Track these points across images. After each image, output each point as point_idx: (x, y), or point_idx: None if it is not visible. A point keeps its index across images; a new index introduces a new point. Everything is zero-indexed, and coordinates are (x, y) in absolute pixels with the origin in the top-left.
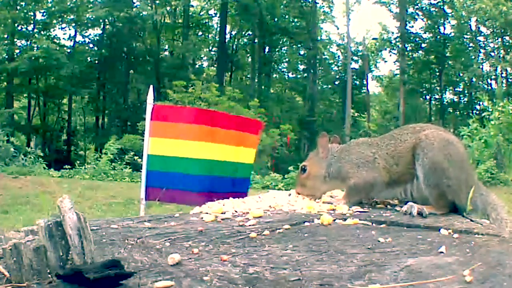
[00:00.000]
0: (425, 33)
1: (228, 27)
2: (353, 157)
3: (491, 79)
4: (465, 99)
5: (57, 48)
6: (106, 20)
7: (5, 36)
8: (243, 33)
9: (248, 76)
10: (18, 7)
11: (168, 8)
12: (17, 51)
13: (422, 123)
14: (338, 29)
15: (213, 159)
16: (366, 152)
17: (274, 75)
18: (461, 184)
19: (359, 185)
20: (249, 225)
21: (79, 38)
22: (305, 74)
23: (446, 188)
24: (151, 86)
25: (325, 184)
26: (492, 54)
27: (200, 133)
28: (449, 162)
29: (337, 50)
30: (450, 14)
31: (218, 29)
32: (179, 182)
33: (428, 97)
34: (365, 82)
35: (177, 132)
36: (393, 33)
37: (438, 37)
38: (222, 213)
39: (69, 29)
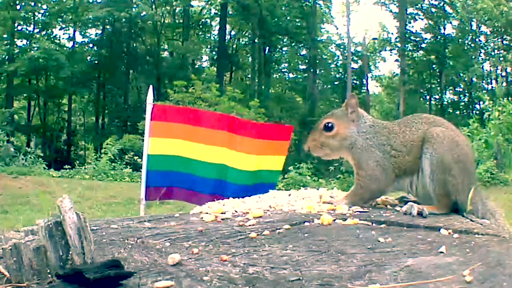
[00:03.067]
0: (425, 33)
1: (228, 27)
2: (379, 143)
3: (491, 79)
4: (465, 99)
5: (57, 48)
6: (106, 20)
7: (5, 36)
8: (243, 33)
9: (248, 76)
10: (18, 7)
11: (168, 8)
12: (17, 51)
13: (436, 116)
14: (337, 29)
15: (223, 163)
16: (388, 142)
17: (274, 75)
18: (465, 185)
19: (368, 188)
20: (249, 225)
21: (79, 38)
22: (305, 74)
23: (451, 188)
24: (151, 86)
25: (345, 149)
26: (493, 53)
27: (208, 136)
28: (456, 163)
29: (336, 50)
30: (450, 14)
31: (218, 29)
32: (179, 181)
33: (428, 97)
34: (365, 82)
35: (177, 132)
36: (392, 33)
37: (439, 37)
38: (222, 213)
39: (69, 29)
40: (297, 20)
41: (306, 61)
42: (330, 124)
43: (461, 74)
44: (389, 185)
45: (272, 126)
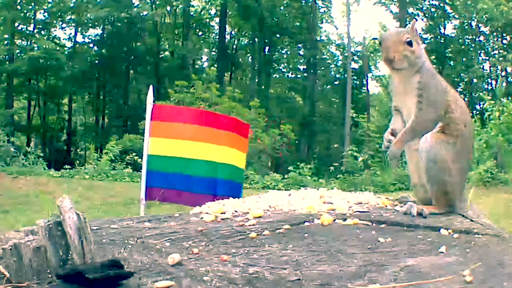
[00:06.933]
0: (425, 33)
1: (228, 27)
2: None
3: (491, 79)
4: (466, 99)
5: (57, 48)
6: (106, 20)
7: (5, 36)
8: (243, 33)
9: (248, 76)
10: (18, 7)
11: (168, 8)
12: (17, 51)
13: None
14: (337, 29)
15: (212, 160)
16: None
17: (274, 75)
18: (462, 183)
19: (425, 118)
20: (249, 225)
21: (79, 38)
22: (305, 74)
23: (449, 187)
24: (151, 86)
25: (415, 68)
26: (493, 53)
27: (198, 133)
28: (453, 163)
29: (337, 50)
30: (451, 15)
31: (218, 29)
32: (179, 182)
33: None
34: (365, 82)
35: (177, 132)
36: None
37: (439, 37)
38: (222, 213)
39: (70, 29)
40: (297, 20)
41: (306, 61)
42: (410, 40)
43: (462, 74)
44: (440, 119)
45: (231, 119)
